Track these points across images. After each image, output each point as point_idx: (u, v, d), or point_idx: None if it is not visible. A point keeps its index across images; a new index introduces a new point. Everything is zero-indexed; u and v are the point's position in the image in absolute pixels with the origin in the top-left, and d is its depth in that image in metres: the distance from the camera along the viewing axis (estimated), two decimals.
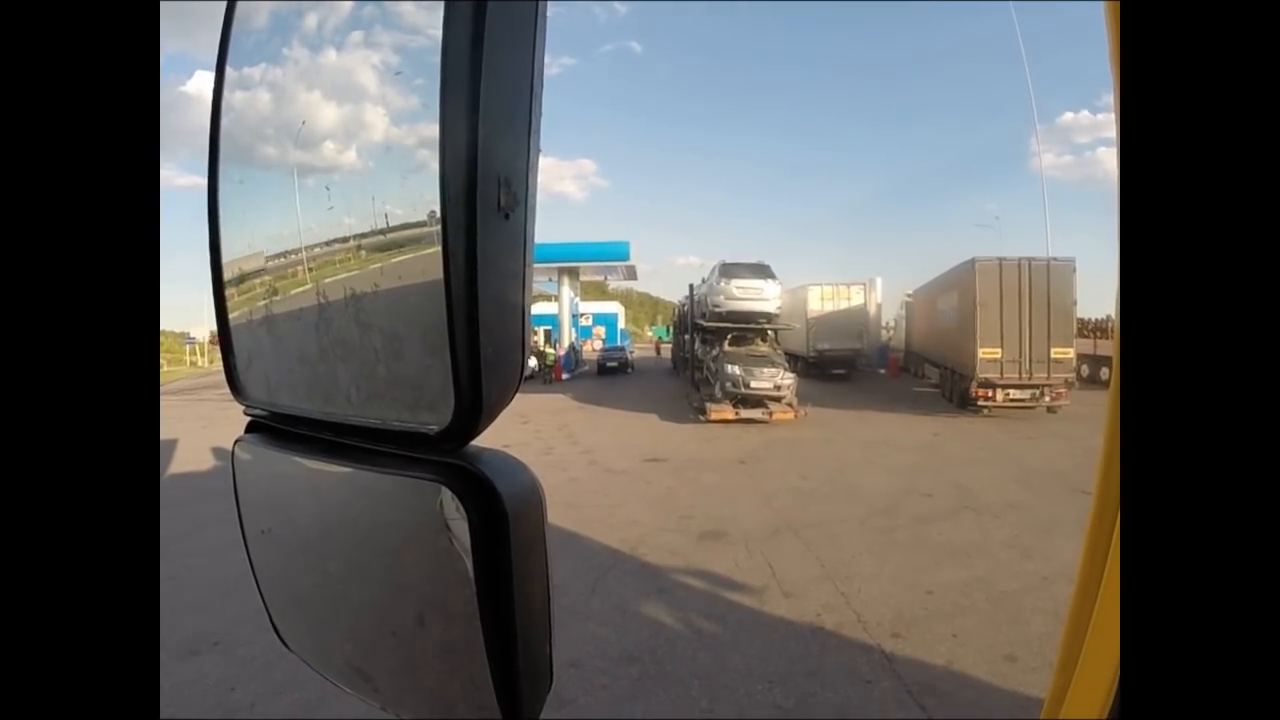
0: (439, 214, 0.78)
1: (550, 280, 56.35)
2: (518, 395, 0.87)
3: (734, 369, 26.91)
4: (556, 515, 12.33)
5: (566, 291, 55.03)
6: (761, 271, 30.83)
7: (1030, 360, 26.53)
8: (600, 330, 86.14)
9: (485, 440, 0.87)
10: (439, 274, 0.78)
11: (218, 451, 19.09)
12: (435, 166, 0.77)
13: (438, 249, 0.79)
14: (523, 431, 23.65)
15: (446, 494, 0.83)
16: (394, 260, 0.90)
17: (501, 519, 0.83)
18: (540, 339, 67.92)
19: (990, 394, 26.99)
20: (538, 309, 70.43)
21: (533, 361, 46.08)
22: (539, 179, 0.85)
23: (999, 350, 26.65)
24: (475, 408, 0.81)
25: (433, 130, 0.78)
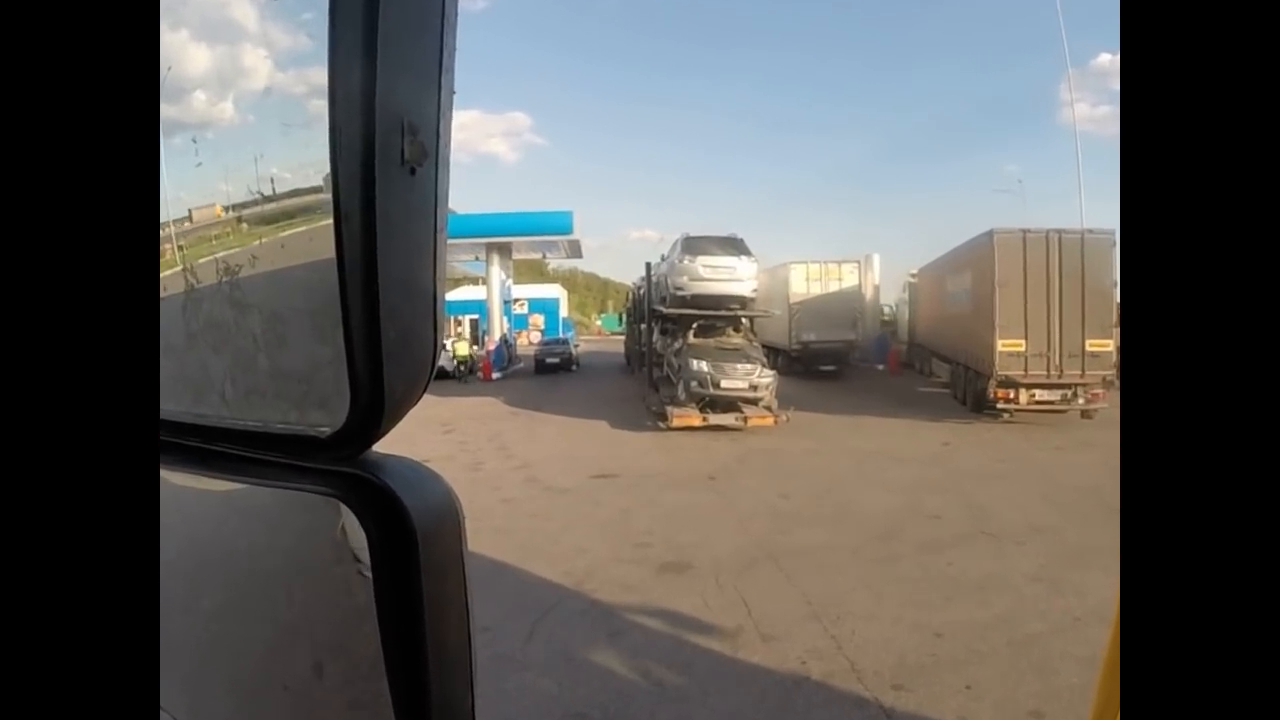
0: (330, 169, 0.76)
1: (477, 259, 56.07)
2: (438, 399, 0.87)
3: (700, 365, 26.86)
4: (488, 543, 12.31)
5: (497, 273, 54.46)
6: (734, 246, 30.58)
7: (1060, 354, 26.36)
8: (538, 319, 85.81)
9: (391, 447, 0.87)
10: (332, 244, 0.76)
11: None
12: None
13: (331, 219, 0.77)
14: (445, 443, 23.56)
15: (344, 510, 0.81)
16: (283, 234, 0.87)
17: (409, 539, 0.80)
18: (465, 330, 67.66)
19: (1012, 395, 26.90)
20: (462, 295, 70.12)
21: (452, 349, 45.83)
22: (452, 127, 0.83)
23: (1022, 342, 26.52)
24: (376, 405, 0.79)
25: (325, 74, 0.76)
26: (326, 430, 0.83)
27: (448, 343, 47.48)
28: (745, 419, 26.22)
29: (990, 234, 27.61)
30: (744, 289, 29.99)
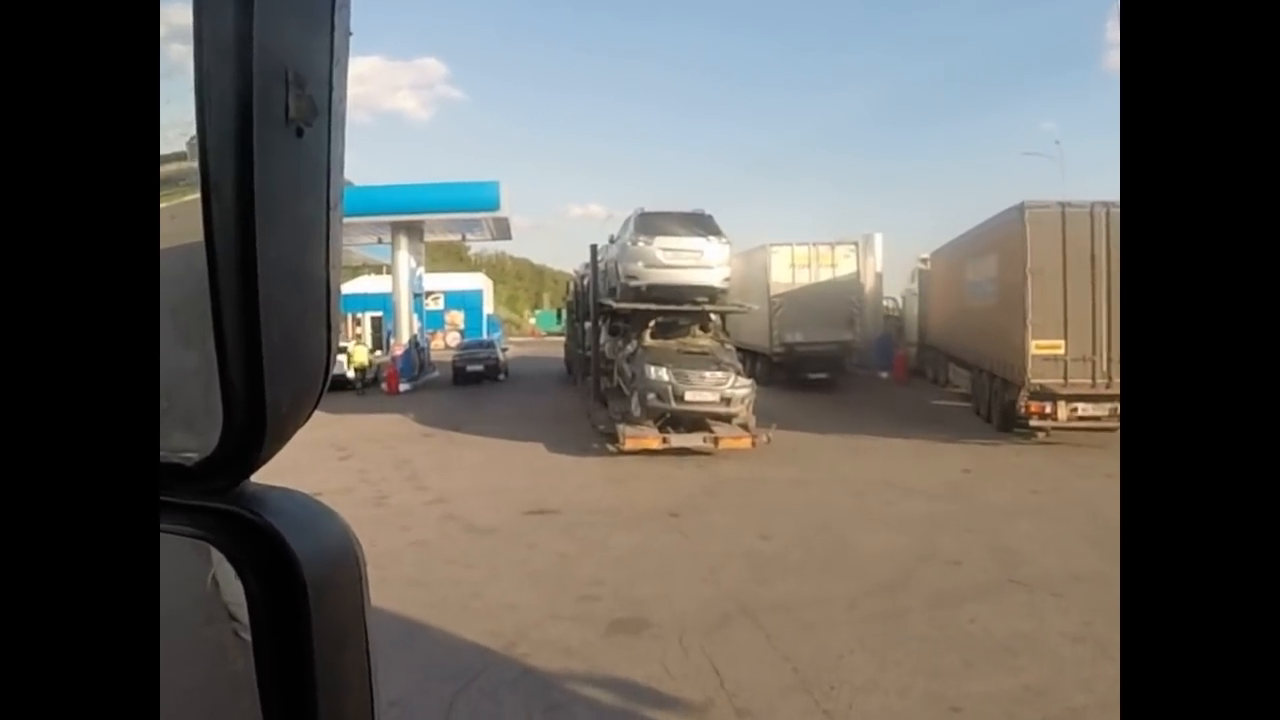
0: (197, 131, 0.74)
1: (380, 242, 55.82)
2: (333, 417, 0.87)
3: (659, 373, 26.70)
4: (396, 596, 12.27)
5: (405, 259, 53.80)
6: (700, 225, 29.99)
7: (1108, 358, 26.18)
8: (457, 317, 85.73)
9: (276, 477, 0.86)
10: (199, 224, 0.74)
11: None
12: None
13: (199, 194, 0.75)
14: (342, 472, 23.55)
15: (215, 556, 0.79)
16: None
17: (298, 592, 0.77)
18: (366, 331, 67.57)
19: (1048, 409, 26.73)
20: (362, 287, 70.02)
21: (349, 355, 45.78)
22: (348, 78, 0.81)
23: (1061, 343, 26.42)
24: (256, 425, 0.77)
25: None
26: (193, 457, 0.81)
27: (345, 346, 47.22)
28: (715, 440, 26.09)
29: (1020, 208, 27.33)
30: (713, 277, 29.47)
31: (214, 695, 0.84)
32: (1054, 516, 17.97)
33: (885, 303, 52.46)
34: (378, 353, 50.37)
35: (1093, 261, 26.17)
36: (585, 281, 39.98)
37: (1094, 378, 26.38)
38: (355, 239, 56.76)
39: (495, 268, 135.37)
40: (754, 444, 26.02)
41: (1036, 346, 26.60)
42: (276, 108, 0.75)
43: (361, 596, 0.87)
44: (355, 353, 46.00)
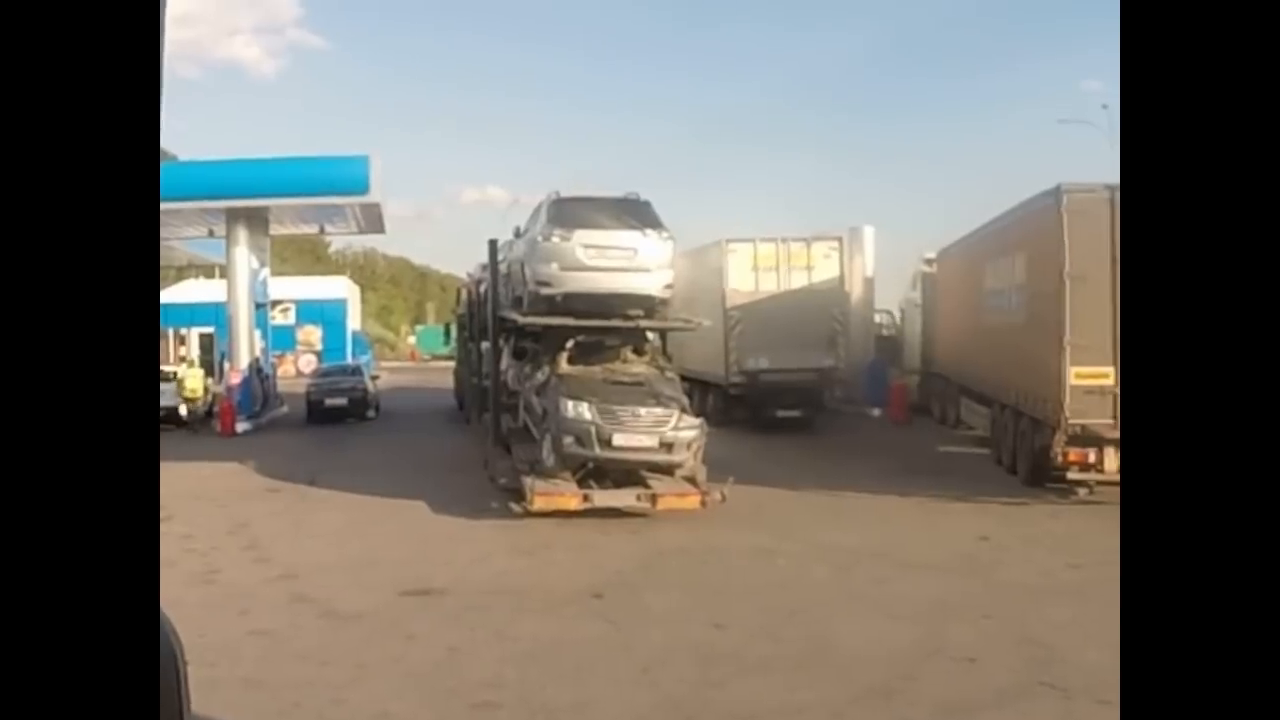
0: None
1: (213, 234, 55.36)
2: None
3: (580, 410, 26.08)
4: (230, 702, 12.18)
5: (244, 257, 53.23)
6: (634, 215, 29.24)
7: None
8: (313, 334, 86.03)
9: None
10: None
11: None
12: None
13: None
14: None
15: None
16: None
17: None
18: (194, 352, 67.82)
19: (1092, 457, 26.15)
20: (187, 294, 70.33)
21: (177, 382, 45.91)
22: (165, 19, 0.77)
23: (1110, 370, 25.45)
24: None
25: None
26: None
27: (173, 371, 47.26)
28: (653, 499, 25.67)
29: (1056, 193, 26.91)
30: (651, 284, 28.74)
31: None
32: (1098, 599, 17.05)
33: (878, 318, 52.85)
34: (209, 380, 50.11)
35: None
36: (482, 289, 38.72)
37: None
38: (179, 230, 54.90)
39: (363, 270, 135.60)
40: (704, 503, 25.57)
41: (1077, 375, 26.00)
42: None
43: (179, 702, 0.85)
44: (187, 378, 46.01)
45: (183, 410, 43.34)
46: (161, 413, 40.48)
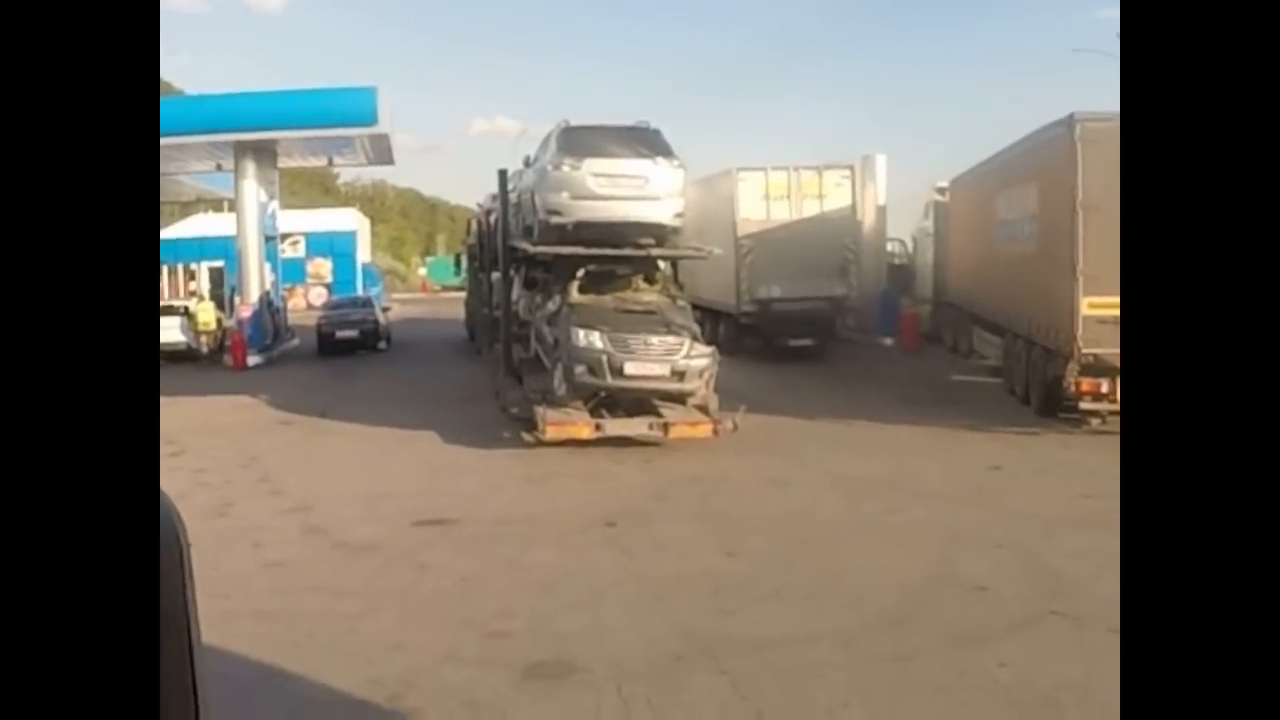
0: None
1: (221, 168, 55.13)
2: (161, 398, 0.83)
3: (591, 339, 25.97)
4: (244, 633, 12.21)
5: (252, 190, 52.75)
6: (644, 143, 29.06)
7: None
8: (323, 266, 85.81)
9: None
10: None
11: None
12: None
13: None
14: (169, 473, 22.84)
15: None
16: None
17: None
18: (204, 286, 67.73)
19: (1105, 387, 26.20)
20: (196, 228, 70.21)
21: (191, 316, 45.87)
22: None
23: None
24: None
25: None
26: None
27: (184, 306, 47.22)
28: (665, 427, 25.72)
29: (1069, 122, 26.69)
30: (662, 212, 28.49)
31: None
32: (1110, 528, 17.30)
33: (890, 246, 52.55)
34: (220, 314, 50.01)
35: None
36: (492, 219, 38.86)
37: None
38: (186, 165, 54.59)
39: (373, 202, 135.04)
40: (716, 432, 25.58)
41: (1090, 305, 25.89)
42: None
43: (183, 580, 0.87)
44: (200, 312, 45.92)
45: (192, 344, 43.28)
46: (174, 347, 40.61)
